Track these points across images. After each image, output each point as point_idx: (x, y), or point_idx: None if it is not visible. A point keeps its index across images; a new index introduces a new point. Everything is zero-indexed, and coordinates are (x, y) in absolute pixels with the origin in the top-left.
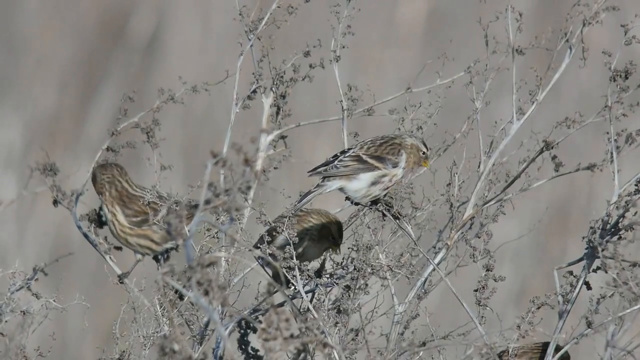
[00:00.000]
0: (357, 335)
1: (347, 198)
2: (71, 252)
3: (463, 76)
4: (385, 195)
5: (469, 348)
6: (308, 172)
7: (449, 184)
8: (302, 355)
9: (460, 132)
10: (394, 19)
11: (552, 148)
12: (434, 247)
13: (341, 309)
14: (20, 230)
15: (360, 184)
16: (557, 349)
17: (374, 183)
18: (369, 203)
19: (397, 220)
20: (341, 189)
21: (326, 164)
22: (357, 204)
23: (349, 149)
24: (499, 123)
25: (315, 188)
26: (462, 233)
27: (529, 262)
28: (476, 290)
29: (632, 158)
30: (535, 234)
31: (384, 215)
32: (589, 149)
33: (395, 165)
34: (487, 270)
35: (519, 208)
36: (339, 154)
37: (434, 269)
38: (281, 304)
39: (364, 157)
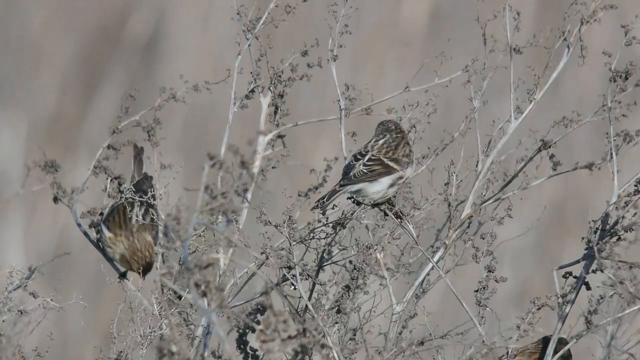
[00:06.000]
0: (355, 334)
1: (352, 199)
2: (70, 251)
3: (461, 75)
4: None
5: (468, 348)
6: (337, 185)
7: (447, 183)
8: (300, 356)
9: (459, 131)
10: (396, 19)
11: (550, 147)
12: (432, 247)
13: (340, 308)
14: (22, 229)
15: (380, 186)
16: (561, 343)
17: (391, 185)
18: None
19: (400, 220)
20: (360, 191)
21: (347, 170)
22: (358, 203)
23: (366, 152)
24: (497, 122)
25: (340, 187)
26: (461, 232)
27: (528, 262)
28: (477, 291)
29: (631, 158)
30: (535, 234)
31: (385, 214)
32: (588, 148)
33: (408, 166)
34: (489, 271)
35: (518, 208)
36: (359, 157)
37: (432, 268)
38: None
39: (386, 161)
